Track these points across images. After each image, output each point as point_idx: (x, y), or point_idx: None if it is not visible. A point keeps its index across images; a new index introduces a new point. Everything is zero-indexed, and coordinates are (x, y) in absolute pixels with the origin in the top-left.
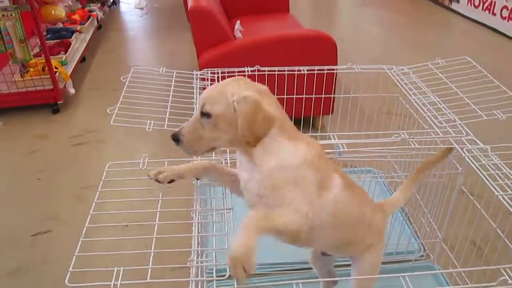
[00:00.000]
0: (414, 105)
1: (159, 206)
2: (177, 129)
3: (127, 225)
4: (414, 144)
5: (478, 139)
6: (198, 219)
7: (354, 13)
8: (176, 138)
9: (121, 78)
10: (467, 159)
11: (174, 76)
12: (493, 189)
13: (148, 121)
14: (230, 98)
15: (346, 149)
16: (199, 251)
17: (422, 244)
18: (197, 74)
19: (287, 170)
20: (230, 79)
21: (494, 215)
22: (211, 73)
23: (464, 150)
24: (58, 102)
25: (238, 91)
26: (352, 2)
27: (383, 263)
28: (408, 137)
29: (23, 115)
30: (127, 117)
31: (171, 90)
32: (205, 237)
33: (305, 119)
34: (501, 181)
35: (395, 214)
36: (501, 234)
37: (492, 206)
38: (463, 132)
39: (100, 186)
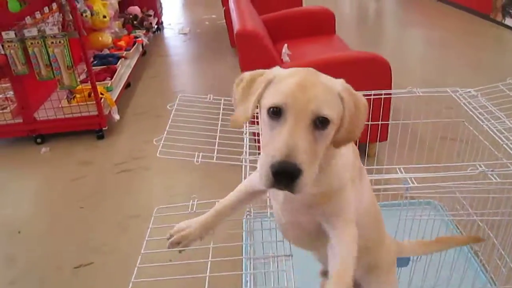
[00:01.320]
0: (486, 131)
1: (210, 255)
2: (275, 156)
3: (171, 260)
4: (496, 178)
5: None
6: (251, 269)
7: (399, 33)
8: (291, 170)
9: (168, 106)
10: None
11: (222, 103)
12: None
13: (196, 153)
14: (336, 94)
15: (416, 184)
16: None
17: (492, 279)
18: None
19: (347, 167)
20: (300, 69)
21: None
22: None
23: None
24: (103, 128)
25: (332, 81)
26: (397, 23)
27: None
28: (486, 169)
29: (68, 141)
30: (174, 148)
31: (220, 119)
32: None
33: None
34: None
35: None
36: None
37: None
38: None
39: (148, 234)
